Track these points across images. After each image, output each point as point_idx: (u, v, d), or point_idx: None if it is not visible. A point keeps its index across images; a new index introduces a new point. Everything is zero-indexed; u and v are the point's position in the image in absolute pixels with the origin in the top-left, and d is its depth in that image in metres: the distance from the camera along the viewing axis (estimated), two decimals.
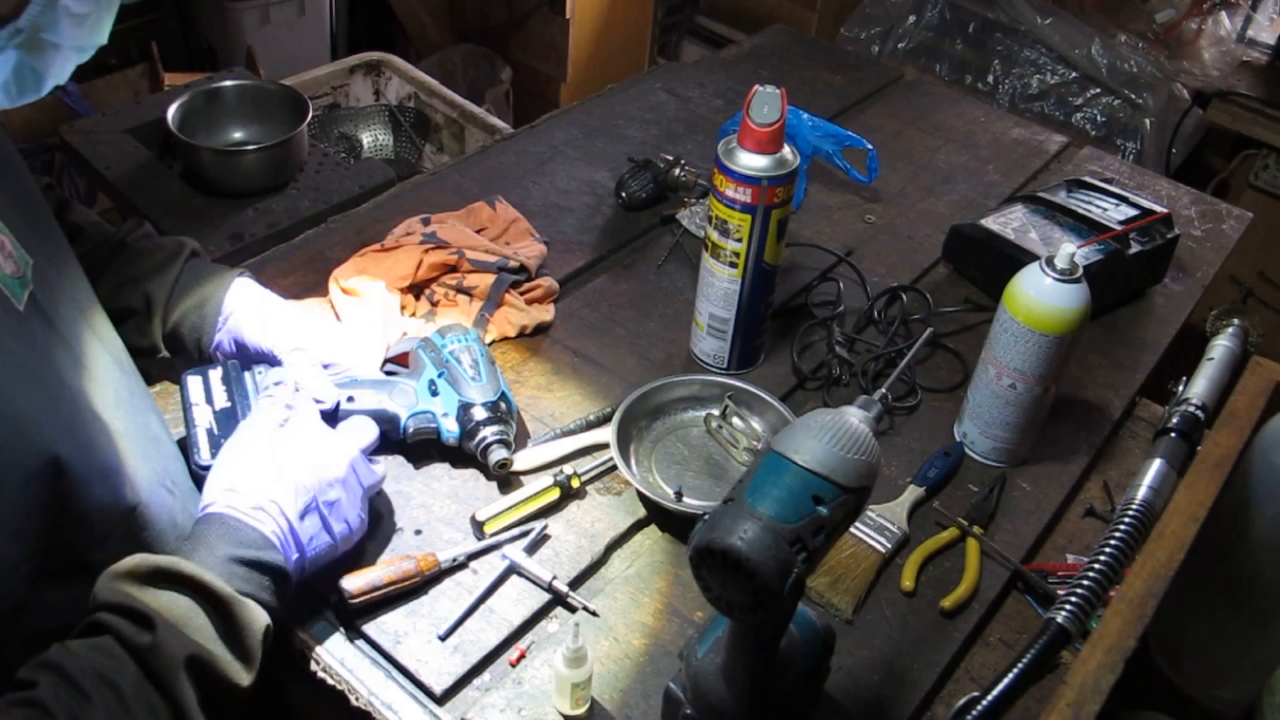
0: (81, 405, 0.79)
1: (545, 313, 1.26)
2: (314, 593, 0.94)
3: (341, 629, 0.92)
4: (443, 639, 0.90)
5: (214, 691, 0.74)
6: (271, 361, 1.04)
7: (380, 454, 1.07)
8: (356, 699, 0.88)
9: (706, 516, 0.72)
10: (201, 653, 0.74)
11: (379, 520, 1.00)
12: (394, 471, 1.06)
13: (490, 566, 0.97)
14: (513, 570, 0.97)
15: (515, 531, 1.00)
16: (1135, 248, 1.34)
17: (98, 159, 1.83)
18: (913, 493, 1.08)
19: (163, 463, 0.89)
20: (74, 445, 0.74)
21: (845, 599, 0.97)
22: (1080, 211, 1.37)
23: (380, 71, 2.50)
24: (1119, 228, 1.33)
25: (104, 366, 0.85)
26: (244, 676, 0.76)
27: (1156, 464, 1.06)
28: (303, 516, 0.86)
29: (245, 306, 1.05)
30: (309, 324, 1.07)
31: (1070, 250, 1.03)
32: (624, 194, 1.45)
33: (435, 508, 1.02)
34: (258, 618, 0.79)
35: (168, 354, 1.06)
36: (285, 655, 0.91)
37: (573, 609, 0.95)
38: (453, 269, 1.26)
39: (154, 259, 1.05)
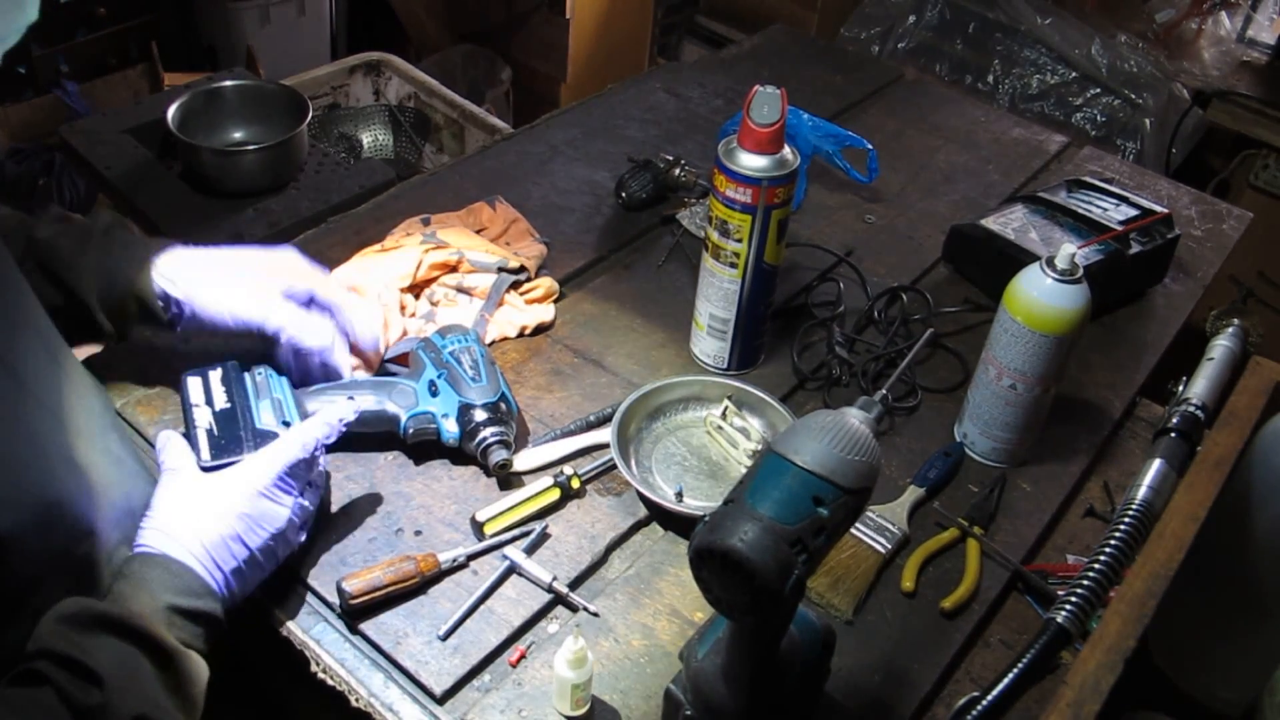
0: (41, 454, 0.77)
1: (545, 313, 1.25)
2: (314, 594, 0.94)
3: (342, 630, 0.92)
4: (443, 639, 0.90)
5: None
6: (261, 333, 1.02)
7: (380, 454, 1.07)
8: (356, 699, 0.88)
9: (707, 517, 0.72)
10: (149, 711, 0.72)
11: (379, 521, 1.00)
12: (394, 472, 1.06)
13: (490, 567, 0.97)
14: (513, 571, 0.97)
15: (515, 532, 0.99)
16: (1135, 248, 1.34)
17: (98, 159, 1.83)
18: (913, 493, 1.08)
19: (126, 485, 0.87)
20: (16, 511, 0.72)
21: (845, 600, 0.97)
22: (1080, 211, 1.37)
23: (380, 71, 2.50)
24: (1119, 228, 1.33)
25: (64, 396, 0.83)
26: None
27: (1156, 464, 1.06)
28: (240, 561, 0.85)
29: (200, 286, 1.00)
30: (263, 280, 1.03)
31: (1070, 250, 1.03)
32: (624, 194, 1.45)
33: (435, 508, 1.02)
34: (201, 670, 0.78)
35: (113, 334, 1.00)
36: (285, 656, 0.91)
37: (573, 609, 0.95)
38: (453, 269, 1.26)
39: (65, 247, 0.98)
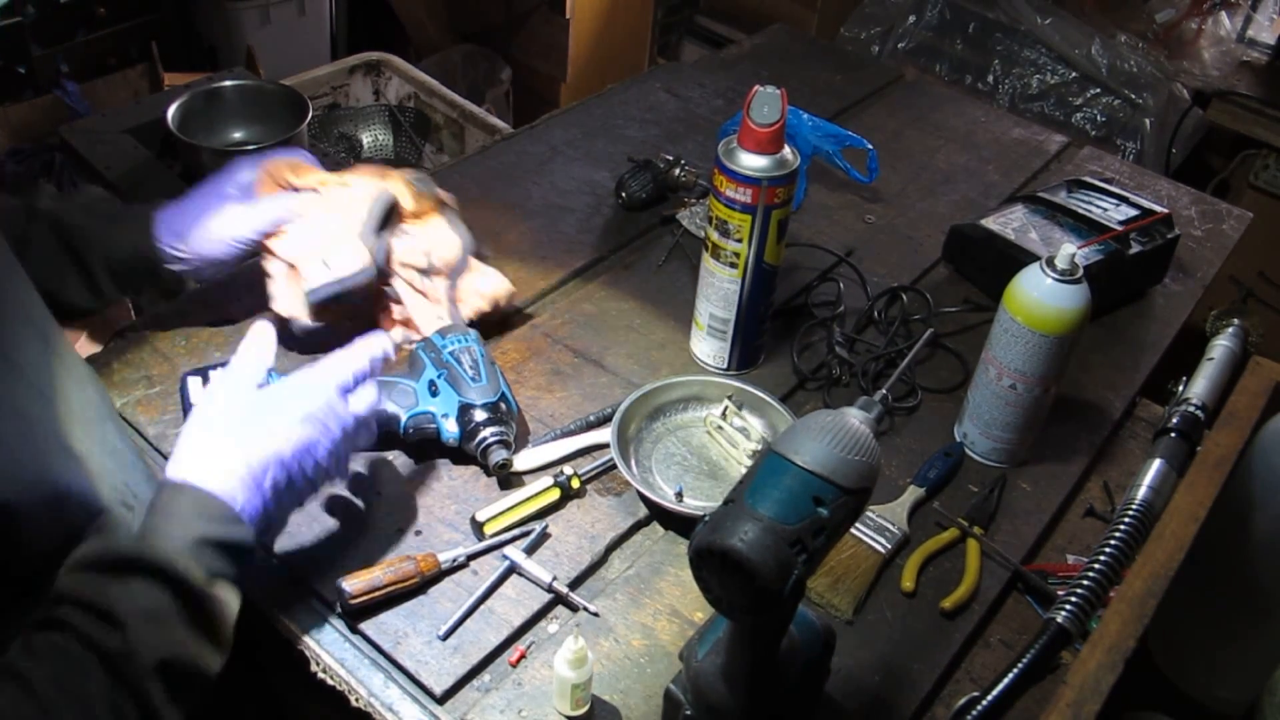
0: (35, 435, 0.77)
1: (501, 282, 1.21)
2: (314, 594, 0.94)
3: (342, 630, 0.92)
4: (443, 639, 0.90)
5: (184, 682, 0.73)
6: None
7: (380, 454, 1.07)
8: (356, 699, 0.88)
9: (707, 517, 0.72)
10: (175, 653, 0.72)
11: (379, 521, 1.00)
12: (394, 472, 1.06)
13: (490, 567, 0.97)
14: (513, 571, 0.97)
15: (515, 532, 1.00)
16: (1135, 248, 1.34)
17: (98, 159, 1.83)
18: (913, 493, 1.08)
19: (122, 475, 0.87)
20: (19, 484, 0.72)
21: (845, 600, 0.97)
22: (1080, 212, 1.37)
23: (380, 71, 2.50)
24: (1119, 228, 1.33)
25: (59, 383, 0.83)
26: (215, 664, 0.75)
27: (1156, 464, 1.06)
28: (274, 488, 0.83)
29: (199, 232, 1.10)
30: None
31: (1070, 250, 1.03)
32: (624, 194, 1.45)
33: (435, 508, 1.02)
34: (230, 604, 0.77)
35: (114, 297, 1.09)
36: (285, 655, 0.91)
37: (573, 609, 0.95)
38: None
39: (69, 214, 1.07)
